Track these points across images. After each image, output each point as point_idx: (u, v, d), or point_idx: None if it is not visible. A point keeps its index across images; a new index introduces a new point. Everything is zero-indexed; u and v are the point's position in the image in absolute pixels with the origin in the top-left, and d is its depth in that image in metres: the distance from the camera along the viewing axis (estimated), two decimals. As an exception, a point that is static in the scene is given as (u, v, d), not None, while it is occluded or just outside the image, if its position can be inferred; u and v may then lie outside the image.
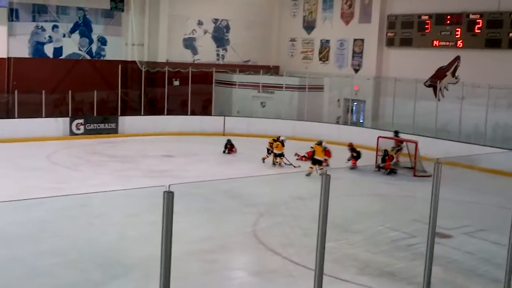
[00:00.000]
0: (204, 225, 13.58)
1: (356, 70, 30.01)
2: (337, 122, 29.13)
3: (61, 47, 28.69)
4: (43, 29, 28.02)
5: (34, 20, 27.71)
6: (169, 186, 4.97)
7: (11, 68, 26.83)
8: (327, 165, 20.18)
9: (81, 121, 26.14)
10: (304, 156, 22.15)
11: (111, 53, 30.05)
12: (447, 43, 25.63)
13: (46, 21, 28.04)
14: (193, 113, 29.26)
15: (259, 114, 29.57)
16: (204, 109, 30.31)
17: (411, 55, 27.24)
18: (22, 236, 11.94)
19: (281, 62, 33.95)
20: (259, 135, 27.03)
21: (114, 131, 26.78)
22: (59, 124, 25.60)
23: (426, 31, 26.40)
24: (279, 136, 21.78)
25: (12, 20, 26.94)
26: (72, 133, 25.79)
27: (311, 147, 20.89)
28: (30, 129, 24.52)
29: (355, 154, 21.07)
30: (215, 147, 24.03)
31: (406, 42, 27.36)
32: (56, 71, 27.95)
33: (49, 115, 25.68)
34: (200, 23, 31.83)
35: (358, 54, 30.03)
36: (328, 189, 5.97)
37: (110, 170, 19.82)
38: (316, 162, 19.79)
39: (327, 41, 31.56)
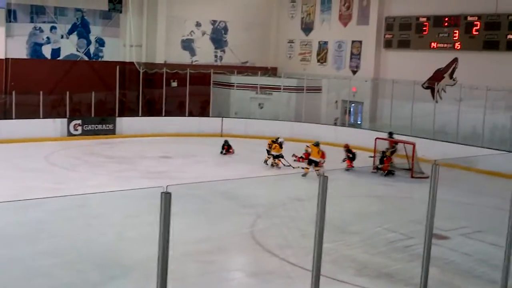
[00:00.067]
0: (202, 226, 13.58)
1: (354, 72, 30.04)
2: (335, 124, 29.14)
3: (59, 48, 28.68)
4: (41, 30, 28.01)
5: (32, 21, 27.70)
6: (166, 187, 4.97)
7: (9, 69, 26.81)
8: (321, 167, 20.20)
9: (79, 122, 26.12)
10: (301, 157, 22.17)
11: (109, 54, 30.05)
12: (445, 45, 25.68)
13: (44, 22, 28.04)
14: (191, 114, 29.27)
15: (257, 116, 29.58)
16: (202, 110, 30.31)
17: (409, 57, 27.28)
18: (20, 237, 11.92)
19: (279, 63, 33.98)
20: (257, 136, 27.05)
21: (112, 132, 26.77)
22: (56, 125, 25.59)
23: (424, 33, 26.45)
24: (278, 138, 21.78)
25: (10, 21, 26.93)
26: (69, 134, 25.77)
27: (307, 146, 20.89)
28: (28, 130, 24.50)
29: (351, 155, 21.07)
30: (213, 148, 24.03)
31: (404, 44, 27.41)
32: (54, 72, 27.94)
33: (47, 116, 25.65)
34: (198, 24, 31.85)
35: (356, 55, 30.07)
36: (325, 190, 5.99)
37: (108, 171, 19.81)
38: (312, 162, 19.83)
39: (325, 42, 31.60)
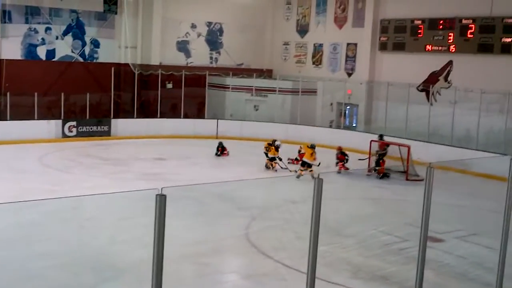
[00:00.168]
0: (197, 228, 13.55)
1: (349, 74, 30.08)
2: (330, 126, 29.18)
3: (54, 49, 28.61)
4: (36, 31, 27.94)
5: (27, 22, 27.63)
6: (161, 189, 4.95)
7: (3, 70, 26.74)
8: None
9: (74, 123, 26.06)
10: (296, 159, 22.14)
11: (104, 55, 30.00)
12: (440, 48, 25.74)
13: (39, 23, 27.97)
14: (186, 116, 29.24)
15: (252, 118, 29.57)
16: (197, 112, 30.29)
17: (403, 59, 27.34)
18: (14, 239, 11.87)
19: (275, 65, 34.00)
20: (252, 138, 27.07)
21: (107, 134, 26.71)
22: (51, 127, 25.51)
23: (419, 35, 26.50)
24: (275, 140, 21.73)
25: (5, 22, 26.86)
26: (64, 136, 25.70)
27: (301, 147, 20.87)
28: (22, 131, 24.42)
29: (346, 157, 21.03)
30: (208, 150, 24.00)
31: (399, 47, 27.46)
32: (49, 73, 27.86)
33: (41, 117, 25.54)
34: (193, 26, 31.84)
35: (351, 58, 30.11)
36: (320, 193, 5.98)
37: (103, 172, 19.76)
38: (305, 164, 19.85)
39: (320, 45, 31.63)
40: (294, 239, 12.63)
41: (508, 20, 23.13)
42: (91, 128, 26.43)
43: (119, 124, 27.11)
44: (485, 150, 22.02)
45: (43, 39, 28.20)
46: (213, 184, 17.49)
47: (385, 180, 20.33)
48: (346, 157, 21.02)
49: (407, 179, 20.34)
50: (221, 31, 32.78)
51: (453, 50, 25.24)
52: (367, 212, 16.05)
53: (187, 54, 31.86)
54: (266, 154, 21.40)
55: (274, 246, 12.33)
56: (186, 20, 31.51)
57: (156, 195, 4.93)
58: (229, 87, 30.22)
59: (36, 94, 25.11)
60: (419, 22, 26.49)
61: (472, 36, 24.40)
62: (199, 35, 32.11)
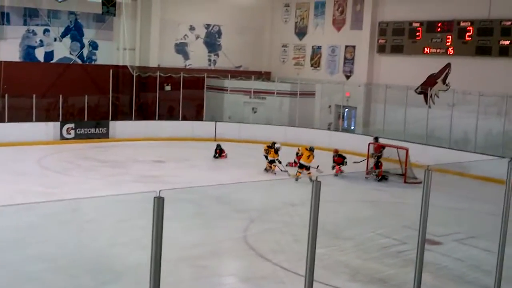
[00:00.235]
0: (195, 230, 13.55)
1: (348, 77, 30.10)
2: (329, 129, 29.17)
3: (52, 51, 28.60)
4: (34, 33, 27.93)
5: (25, 24, 27.62)
6: (159, 191, 4.95)
7: (2, 72, 26.72)
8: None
9: (72, 125, 26.03)
10: (294, 161, 22.12)
11: (103, 57, 29.99)
12: (438, 50, 25.76)
13: (37, 25, 27.96)
14: (185, 118, 29.22)
15: (250, 120, 29.58)
16: (196, 114, 30.28)
17: (402, 62, 27.36)
18: (12, 241, 11.85)
19: (273, 68, 34.02)
20: (250, 140, 27.09)
21: (105, 136, 26.70)
22: (49, 129, 25.49)
23: (417, 38, 26.53)
24: (274, 142, 21.72)
25: (3, 24, 26.85)
26: (62, 138, 25.68)
27: (299, 149, 20.84)
28: (20, 133, 24.40)
29: (346, 159, 21.02)
30: (206, 153, 24.00)
31: (397, 49, 27.48)
32: (47, 75, 27.86)
33: (39, 119, 25.53)
34: (192, 28, 31.85)
35: (349, 60, 30.13)
36: (318, 195, 5.98)
37: (101, 175, 19.74)
38: (302, 166, 19.86)
39: (319, 47, 31.66)
40: (292, 242, 12.63)
41: (506, 22, 23.16)
42: (89, 130, 26.41)
43: (117, 126, 27.10)
44: (483, 152, 22.05)
45: (41, 41, 28.20)
46: (211, 186, 17.49)
47: (383, 183, 20.32)
48: (345, 160, 21.00)
49: (405, 182, 20.35)
50: (219, 33, 32.80)
51: (451, 53, 25.26)
52: (365, 215, 16.05)
53: (186, 56, 31.86)
54: (266, 157, 21.37)
55: (273, 248, 12.32)
56: (184, 22, 31.52)
57: (154, 197, 4.93)
58: (227, 90, 30.22)
59: (34, 96, 25.09)
60: (417, 24, 26.52)
61: (470, 38, 24.43)
62: (197, 37, 32.13)
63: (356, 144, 24.24)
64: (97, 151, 24.29)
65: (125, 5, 29.31)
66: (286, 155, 22.16)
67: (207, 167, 22.46)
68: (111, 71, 28.72)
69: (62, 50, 28.85)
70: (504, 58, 23.28)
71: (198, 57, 32.11)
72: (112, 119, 27.54)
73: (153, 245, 4.98)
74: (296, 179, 19.40)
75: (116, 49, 30.30)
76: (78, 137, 26.01)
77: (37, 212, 12.66)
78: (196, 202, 15.66)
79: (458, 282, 11.13)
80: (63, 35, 28.84)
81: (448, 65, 25.67)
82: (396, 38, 27.45)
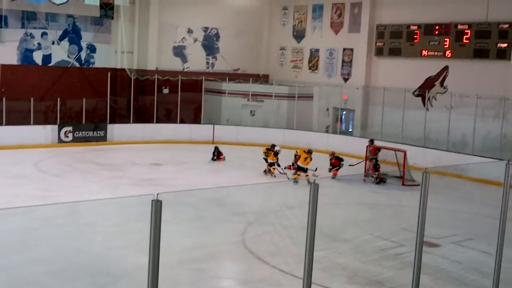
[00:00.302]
0: (193, 233, 13.54)
1: (345, 79, 30.13)
2: (326, 131, 29.18)
3: (50, 54, 28.59)
4: (32, 36, 27.92)
5: (23, 27, 27.62)
6: (157, 194, 4.94)
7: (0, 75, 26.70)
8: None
9: (70, 128, 26.02)
10: (293, 164, 22.11)
11: (101, 60, 29.99)
12: (436, 53, 25.80)
13: (35, 28, 27.96)
14: (182, 121, 29.22)
15: (248, 123, 29.59)
16: (193, 117, 30.28)
17: (400, 64, 27.39)
18: (9, 245, 11.83)
19: (271, 70, 34.03)
20: (248, 143, 27.09)
21: (103, 139, 26.68)
22: (47, 132, 25.47)
23: (415, 41, 26.56)
24: (273, 145, 21.72)
25: (1, 27, 26.83)
26: (60, 141, 25.65)
27: (297, 151, 20.83)
28: (18, 137, 24.38)
29: (342, 162, 20.99)
30: (204, 156, 23.99)
31: (395, 52, 27.51)
32: (45, 79, 27.85)
33: (37, 122, 25.52)
34: (190, 31, 31.86)
35: (347, 63, 30.17)
36: (316, 198, 5.97)
37: (99, 178, 19.72)
38: (300, 169, 19.86)
39: (317, 50, 31.69)
40: (290, 245, 12.62)
41: (504, 25, 23.20)
42: (87, 134, 26.40)
43: (115, 130, 27.09)
44: (481, 155, 22.09)
45: (39, 44, 28.18)
46: (209, 189, 17.49)
47: (382, 185, 20.33)
48: (342, 162, 20.99)
49: (403, 184, 20.36)
50: (217, 36, 32.81)
51: (449, 56, 25.30)
52: (363, 217, 16.06)
53: (184, 59, 31.87)
54: (266, 160, 21.36)
55: (271, 251, 12.32)
56: (182, 25, 31.53)
57: (152, 200, 4.93)
58: (225, 92, 30.23)
59: (32, 99, 25.08)
60: (415, 27, 26.55)
61: (467, 41, 24.47)
62: (195, 40, 32.14)
63: (354, 146, 24.28)
64: (95, 154, 24.27)
65: (123, 8, 29.28)
66: (285, 158, 22.16)
67: (205, 170, 22.45)
68: (109, 74, 28.72)
69: (60, 53, 28.84)
70: (502, 61, 23.32)
71: (196, 60, 32.11)
72: (110, 122, 27.53)
73: (151, 248, 4.97)
74: (295, 182, 19.42)
75: (114, 52, 30.30)
76: (76, 140, 25.99)
77: (35, 215, 12.65)
78: (194, 205, 15.64)
79: (456, 284, 11.13)
80: (61, 38, 28.83)
81: (445, 68, 25.70)
82: (394, 41, 27.48)
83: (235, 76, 32.11)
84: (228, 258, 12.41)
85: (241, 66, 33.40)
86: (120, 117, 29.13)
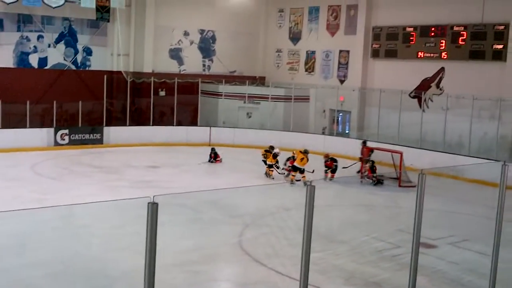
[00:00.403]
0: (190, 236, 13.53)
1: (342, 81, 30.17)
2: (323, 133, 29.21)
3: (46, 57, 28.55)
4: (28, 39, 27.88)
5: (19, 30, 27.57)
6: (153, 197, 4.95)
7: (-5, 78, 26.67)
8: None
9: (66, 131, 25.98)
10: (289, 166, 22.05)
11: (97, 63, 29.96)
12: (432, 55, 25.85)
13: (31, 31, 27.92)
14: (179, 123, 29.20)
15: (245, 125, 29.58)
16: (190, 119, 30.26)
17: (396, 66, 27.44)
18: (5, 248, 11.80)
19: (267, 73, 34.05)
20: (245, 145, 27.09)
21: (99, 142, 26.65)
22: (43, 135, 25.42)
23: (411, 42, 26.62)
24: (272, 146, 21.70)
25: (-3, 30, 26.84)
26: (56, 144, 25.61)
27: (293, 153, 20.82)
28: (15, 140, 24.32)
29: (336, 163, 20.94)
30: (201, 158, 23.97)
31: (391, 54, 27.56)
32: (41, 82, 27.80)
33: (33, 125, 25.46)
34: (186, 33, 31.86)
35: (343, 65, 30.20)
36: (313, 200, 5.98)
37: (95, 180, 19.69)
38: (296, 169, 19.86)
39: (313, 52, 31.72)
40: (287, 246, 12.61)
41: (499, 27, 23.28)
42: (84, 136, 26.36)
43: (111, 132, 27.05)
44: (477, 156, 22.13)
45: (35, 47, 28.15)
46: (205, 191, 17.47)
47: (378, 187, 20.35)
48: (335, 164, 20.91)
49: (400, 186, 20.38)
50: (213, 38, 32.82)
51: (445, 57, 25.36)
52: (360, 219, 16.06)
53: (180, 61, 31.86)
54: (265, 162, 21.33)
55: (267, 253, 12.31)
56: (178, 28, 31.53)
57: (148, 203, 4.93)
58: (221, 95, 30.24)
59: (28, 102, 25.03)
60: (411, 29, 26.61)
61: (463, 43, 24.53)
62: (191, 42, 32.14)
63: (350, 148, 24.28)
64: (91, 157, 24.24)
65: (119, 11, 29.27)
66: (283, 159, 22.18)
67: (202, 172, 22.44)
68: (105, 76, 28.68)
69: (56, 56, 28.81)
70: (498, 62, 23.39)
71: (193, 63, 32.11)
72: (107, 125, 27.50)
73: (147, 251, 4.98)
74: (291, 183, 19.44)
75: (110, 54, 30.28)
76: (72, 143, 25.95)
77: (31, 218, 12.62)
78: (191, 207, 15.63)
79: (453, 285, 11.14)
80: (57, 41, 28.80)
81: (441, 69, 25.76)
82: (390, 43, 27.53)
83: (232, 78, 32.11)
84: (225, 260, 12.40)
85: (237, 68, 33.42)
86: (117, 120, 29.08)
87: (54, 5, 26.94)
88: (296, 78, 32.09)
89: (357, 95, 28.67)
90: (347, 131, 29.65)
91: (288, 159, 21.10)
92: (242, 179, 20.64)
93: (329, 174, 20.66)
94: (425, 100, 26.07)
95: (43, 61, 28.49)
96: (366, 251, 12.81)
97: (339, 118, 29.96)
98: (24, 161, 22.24)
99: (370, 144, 23.12)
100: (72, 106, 27.03)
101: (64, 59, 29.08)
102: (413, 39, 26.55)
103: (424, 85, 26.36)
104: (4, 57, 27.11)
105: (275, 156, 21.01)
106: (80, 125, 26.76)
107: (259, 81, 33.49)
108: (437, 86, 25.96)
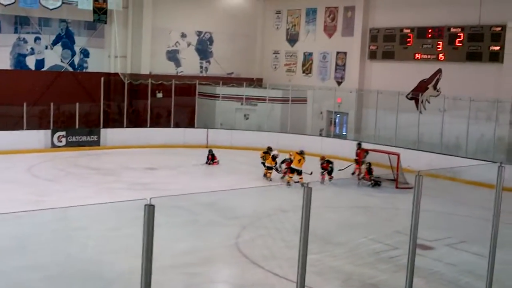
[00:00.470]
0: (187, 238, 13.51)
1: (339, 83, 30.18)
2: (320, 135, 29.22)
3: (43, 59, 28.51)
4: (25, 41, 27.84)
5: (16, 32, 27.53)
6: (150, 199, 4.94)
7: (-8, 80, 26.62)
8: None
9: (63, 133, 25.94)
10: (285, 168, 22.02)
11: (94, 65, 29.92)
12: (429, 56, 25.88)
13: (28, 33, 27.88)
14: (176, 125, 29.18)
15: (242, 127, 29.57)
16: (187, 121, 30.24)
17: (393, 68, 27.46)
18: (2, 250, 11.77)
19: (265, 74, 34.05)
20: (242, 147, 27.08)
21: (96, 144, 26.61)
22: (40, 137, 25.38)
23: (408, 44, 26.65)
24: (270, 147, 21.68)
25: (-6, 32, 26.80)
26: (53, 146, 25.57)
27: (290, 154, 20.80)
28: (11, 141, 24.27)
29: (331, 165, 20.88)
30: (198, 160, 23.96)
31: (388, 55, 27.59)
32: (38, 83, 27.74)
33: (30, 127, 25.42)
34: (183, 35, 31.85)
35: (340, 67, 30.22)
36: (309, 202, 5.98)
37: (92, 182, 19.67)
38: (294, 171, 19.85)
39: (310, 53, 31.74)
40: (284, 248, 12.61)
41: (496, 28, 23.31)
42: (81, 138, 26.32)
43: (108, 134, 27.03)
44: (474, 157, 22.15)
45: (32, 48, 28.11)
46: (203, 193, 17.46)
47: (376, 188, 20.35)
48: (331, 165, 20.84)
49: (397, 187, 20.39)
50: (211, 40, 32.82)
51: (442, 59, 25.39)
52: (357, 220, 16.07)
53: (177, 63, 31.85)
54: (263, 164, 21.29)
55: (265, 255, 12.30)
56: (176, 29, 31.52)
57: (145, 205, 4.92)
58: (219, 96, 30.23)
59: (25, 104, 25.00)
60: (408, 30, 26.64)
61: (460, 44, 24.56)
62: (189, 44, 32.13)
63: (347, 150, 24.26)
64: (88, 158, 24.21)
65: (116, 13, 29.23)
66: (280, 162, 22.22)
67: (199, 174, 22.42)
68: (102, 78, 28.67)
69: (53, 58, 28.76)
70: (495, 63, 23.42)
71: (190, 64, 32.10)
72: (104, 127, 27.46)
73: (144, 253, 4.97)
74: (288, 184, 19.44)
75: (107, 56, 30.24)
76: (69, 144, 25.91)
77: (27, 220, 12.57)
78: (188, 209, 15.62)
79: (450, 287, 11.15)
80: (54, 43, 28.76)
81: (439, 71, 25.79)
82: (387, 44, 27.56)
83: (229, 80, 32.12)
84: (222, 262, 12.39)
85: (234, 70, 33.42)
86: (114, 122, 29.05)
87: (51, 7, 26.91)
88: (294, 79, 32.11)
89: (354, 96, 28.69)
90: (344, 133, 29.66)
91: (283, 161, 21.05)
92: (239, 181, 20.61)
93: (326, 176, 20.63)
94: (422, 101, 26.10)
95: (40, 63, 28.45)
96: (363, 253, 12.81)
97: (337, 120, 29.97)
98: (21, 163, 22.19)
99: (367, 145, 23.12)
100: (69, 108, 27.01)
101: (61, 61, 29.04)
102: (410, 41, 26.58)
103: (421, 87, 26.38)
104: (1, 59, 27.04)
105: (274, 158, 20.98)
106: (77, 127, 26.72)
107: (257, 82, 33.48)
108: (434, 87, 25.98)
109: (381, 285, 10.89)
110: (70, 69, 29.33)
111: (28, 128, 25.23)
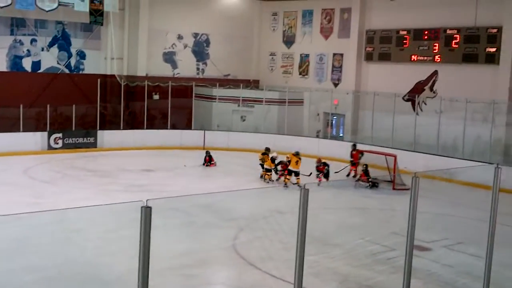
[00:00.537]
0: (184, 239, 13.50)
1: (336, 84, 30.21)
2: (317, 136, 29.23)
3: (39, 61, 28.47)
4: (21, 43, 27.80)
5: (12, 34, 27.49)
6: (146, 201, 4.93)
7: (-12, 82, 26.56)
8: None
9: (60, 135, 25.89)
10: (281, 170, 21.98)
11: (90, 67, 29.89)
12: (425, 58, 25.93)
13: (24, 34, 27.84)
14: (173, 127, 29.17)
15: (239, 128, 29.58)
16: (184, 123, 30.22)
17: (389, 69, 27.51)
18: (0, 252, 11.77)
19: (261, 76, 34.07)
20: (239, 149, 27.07)
21: (93, 146, 26.57)
22: (37, 139, 25.33)
23: (405, 46, 26.70)
24: (268, 148, 21.67)
25: (-10, 34, 26.75)
26: (50, 148, 25.52)
27: (287, 157, 20.78)
28: (7, 144, 24.21)
29: (327, 167, 20.83)
30: (195, 161, 23.95)
31: (384, 57, 27.64)
32: (34, 85, 27.68)
33: (27, 129, 25.38)
34: (180, 37, 31.84)
35: (337, 68, 30.25)
36: (306, 203, 5.97)
37: (89, 184, 19.63)
38: (291, 173, 19.85)
39: (307, 55, 31.77)
40: (281, 250, 12.61)
41: (492, 30, 23.38)
42: (77, 140, 26.28)
43: (105, 136, 26.99)
44: (470, 159, 22.19)
45: (28, 50, 28.06)
46: (200, 195, 17.44)
47: (372, 190, 20.36)
48: (327, 168, 20.81)
49: (394, 189, 20.40)
50: (207, 42, 32.82)
51: (438, 60, 25.44)
52: (354, 222, 16.07)
53: (174, 65, 31.84)
54: (262, 165, 21.25)
55: (262, 256, 12.30)
56: (172, 31, 31.51)
57: (142, 207, 4.91)
58: (215, 98, 30.22)
59: (21, 106, 24.96)
60: (405, 32, 26.69)
61: (457, 46, 24.62)
62: (185, 46, 32.12)
63: (344, 151, 24.25)
64: (85, 160, 24.17)
65: (112, 15, 29.23)
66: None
67: (196, 176, 22.41)
68: (98, 80, 28.64)
69: (50, 59, 28.72)
70: (491, 65, 23.50)
71: (186, 66, 32.10)
72: (100, 129, 27.43)
73: (141, 255, 4.96)
74: (285, 185, 19.43)
75: (104, 58, 30.22)
76: (65, 146, 25.87)
77: (24, 222, 12.56)
78: (185, 211, 15.60)
79: (447, 288, 11.16)
80: (51, 45, 28.72)
81: (435, 73, 25.84)
82: (384, 46, 27.60)
83: (226, 82, 32.11)
84: (219, 264, 12.38)
85: (231, 71, 33.42)
86: (110, 124, 29.01)
87: (47, 9, 26.86)
88: (290, 81, 32.13)
89: (351, 98, 28.72)
90: (341, 134, 29.69)
91: (279, 163, 21.04)
92: (236, 182, 20.60)
93: (322, 179, 20.61)
94: (418, 103, 26.14)
95: (36, 64, 28.41)
96: (361, 254, 12.81)
97: (333, 121, 29.99)
98: (17, 165, 22.15)
99: (364, 147, 23.13)
100: (66, 110, 26.97)
101: (58, 63, 29.00)
102: (406, 42, 26.64)
103: (418, 88, 26.43)
104: (-3, 60, 27.03)
105: (273, 160, 20.96)
106: (73, 128, 26.69)
107: (253, 84, 33.49)
108: (431, 89, 26.03)
109: (378, 287, 10.90)
110: (67, 71, 29.30)
111: (24, 130, 25.19)
